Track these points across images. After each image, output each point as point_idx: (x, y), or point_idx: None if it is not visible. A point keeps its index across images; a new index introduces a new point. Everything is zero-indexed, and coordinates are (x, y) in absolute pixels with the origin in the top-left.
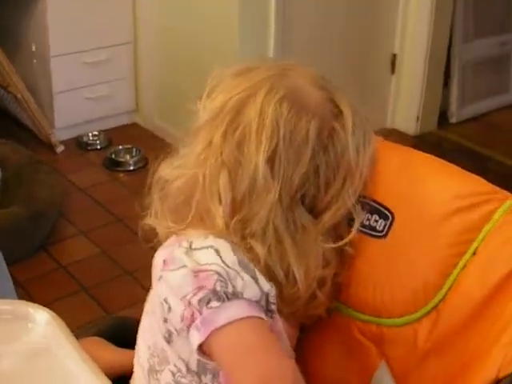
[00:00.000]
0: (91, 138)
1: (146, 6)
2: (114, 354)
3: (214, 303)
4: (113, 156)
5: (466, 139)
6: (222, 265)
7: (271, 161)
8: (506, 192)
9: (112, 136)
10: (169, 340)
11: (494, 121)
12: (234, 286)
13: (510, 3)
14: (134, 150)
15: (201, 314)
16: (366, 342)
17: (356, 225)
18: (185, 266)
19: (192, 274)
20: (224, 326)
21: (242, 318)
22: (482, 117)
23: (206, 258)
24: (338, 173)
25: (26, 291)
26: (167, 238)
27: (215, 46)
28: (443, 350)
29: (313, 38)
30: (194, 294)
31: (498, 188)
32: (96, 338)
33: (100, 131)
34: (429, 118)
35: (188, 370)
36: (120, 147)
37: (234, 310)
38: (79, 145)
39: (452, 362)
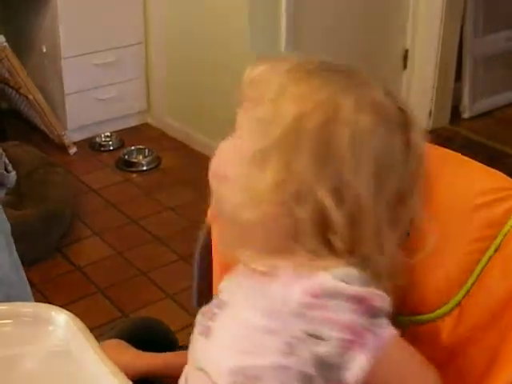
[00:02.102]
0: (103, 139)
1: (156, 6)
2: (134, 357)
3: (378, 320)
4: (125, 157)
5: (478, 134)
6: (369, 288)
7: (373, 180)
8: None
9: (124, 137)
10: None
11: (507, 115)
12: (385, 306)
13: None
14: (147, 150)
15: (368, 332)
16: None
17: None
18: (341, 294)
19: (355, 300)
20: (388, 342)
21: (396, 333)
22: (494, 111)
23: (355, 283)
24: (418, 181)
25: (42, 293)
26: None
27: (226, 45)
28: (467, 347)
29: (324, 34)
30: (358, 317)
31: None
32: (116, 341)
33: (112, 132)
34: (441, 114)
35: None
36: (132, 148)
37: (390, 329)
38: (92, 146)
39: (477, 359)
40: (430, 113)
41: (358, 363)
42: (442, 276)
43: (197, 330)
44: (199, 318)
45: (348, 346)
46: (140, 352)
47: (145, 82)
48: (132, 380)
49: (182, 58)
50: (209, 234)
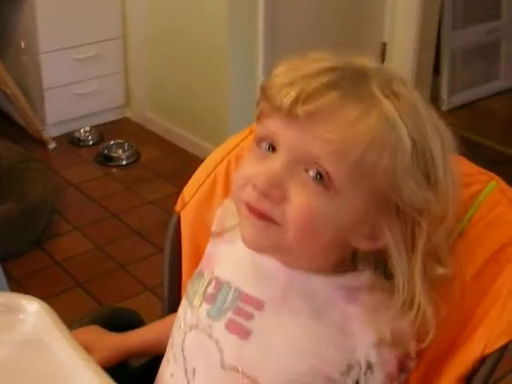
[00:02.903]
0: (83, 134)
1: (134, 0)
2: (115, 338)
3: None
4: (105, 151)
5: (456, 126)
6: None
7: None
8: (489, 173)
9: (104, 131)
10: None
11: (485, 108)
12: None
13: None
14: (126, 144)
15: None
16: None
17: None
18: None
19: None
20: None
21: None
22: (472, 104)
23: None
24: None
25: (22, 287)
26: None
27: (204, 39)
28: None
29: (302, 27)
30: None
31: (482, 169)
32: (94, 326)
33: (91, 127)
34: None
35: None
36: (112, 142)
37: None
38: (71, 141)
39: (442, 340)
40: None
41: None
42: None
43: (215, 320)
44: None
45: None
46: (118, 334)
47: (124, 77)
48: (116, 362)
49: (161, 53)
50: (178, 223)
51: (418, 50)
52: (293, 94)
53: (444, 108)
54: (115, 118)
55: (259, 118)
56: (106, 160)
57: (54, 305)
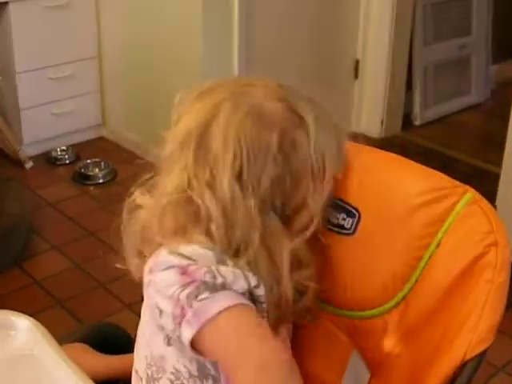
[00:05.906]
0: (60, 153)
1: (110, 20)
2: (98, 360)
3: (205, 294)
4: (82, 170)
5: (429, 141)
6: (212, 258)
7: (239, 177)
8: (464, 185)
9: (80, 150)
10: (168, 344)
11: (457, 122)
12: (223, 278)
13: (466, 7)
14: (103, 163)
15: (191, 307)
16: (338, 332)
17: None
18: (172, 266)
19: (179, 271)
20: (216, 315)
21: (232, 306)
22: (444, 118)
23: (195, 254)
24: (302, 179)
25: (1, 307)
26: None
27: (179, 57)
28: (413, 338)
29: (276, 45)
30: (182, 290)
31: (457, 182)
32: (80, 344)
33: (68, 146)
34: (393, 122)
35: (190, 375)
36: (88, 161)
37: (225, 300)
38: (48, 160)
39: (421, 348)
40: (382, 121)
41: (184, 334)
42: (387, 273)
43: None
44: None
45: (177, 321)
46: (102, 355)
47: (100, 96)
48: (98, 382)
49: (136, 72)
50: None
51: (390, 66)
52: None
53: (417, 123)
54: (91, 137)
55: None
56: (83, 179)
57: None
